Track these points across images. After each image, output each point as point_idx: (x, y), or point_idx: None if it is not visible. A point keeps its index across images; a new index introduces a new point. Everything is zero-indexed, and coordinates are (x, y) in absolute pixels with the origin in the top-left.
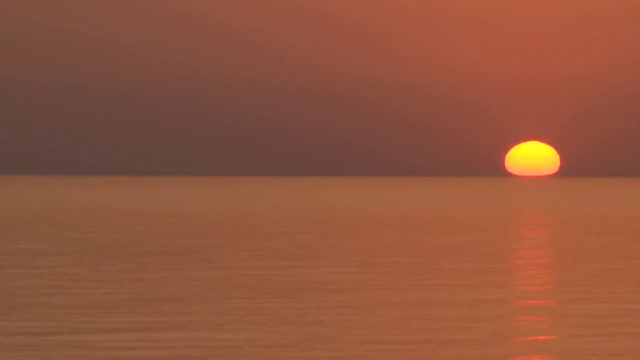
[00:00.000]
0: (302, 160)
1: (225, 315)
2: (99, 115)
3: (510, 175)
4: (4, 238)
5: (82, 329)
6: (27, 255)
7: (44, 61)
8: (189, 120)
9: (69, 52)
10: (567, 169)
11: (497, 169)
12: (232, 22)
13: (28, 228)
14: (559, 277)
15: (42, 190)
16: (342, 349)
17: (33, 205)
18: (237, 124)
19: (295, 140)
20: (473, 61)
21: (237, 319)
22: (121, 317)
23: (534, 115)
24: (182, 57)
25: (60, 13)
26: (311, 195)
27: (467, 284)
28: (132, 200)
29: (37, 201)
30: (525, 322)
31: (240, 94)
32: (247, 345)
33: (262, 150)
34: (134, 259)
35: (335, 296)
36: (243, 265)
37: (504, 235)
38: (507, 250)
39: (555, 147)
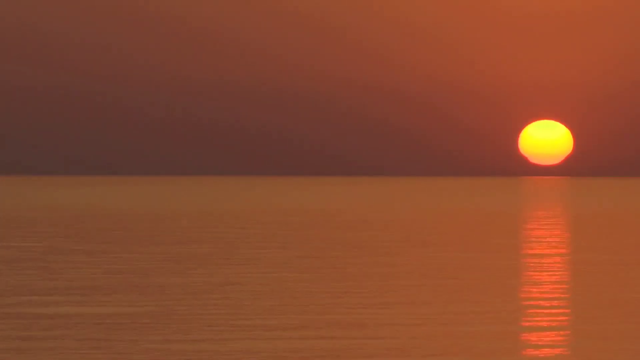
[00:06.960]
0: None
1: None
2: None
3: (524, 159)
4: None
5: None
6: None
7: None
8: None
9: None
10: (582, 149)
11: (511, 151)
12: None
13: None
14: None
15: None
16: None
17: None
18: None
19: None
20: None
21: None
22: None
23: (546, 94)
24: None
25: (61, 15)
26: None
27: None
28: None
29: None
30: None
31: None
32: None
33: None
34: None
35: None
36: None
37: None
38: None
39: (569, 126)
